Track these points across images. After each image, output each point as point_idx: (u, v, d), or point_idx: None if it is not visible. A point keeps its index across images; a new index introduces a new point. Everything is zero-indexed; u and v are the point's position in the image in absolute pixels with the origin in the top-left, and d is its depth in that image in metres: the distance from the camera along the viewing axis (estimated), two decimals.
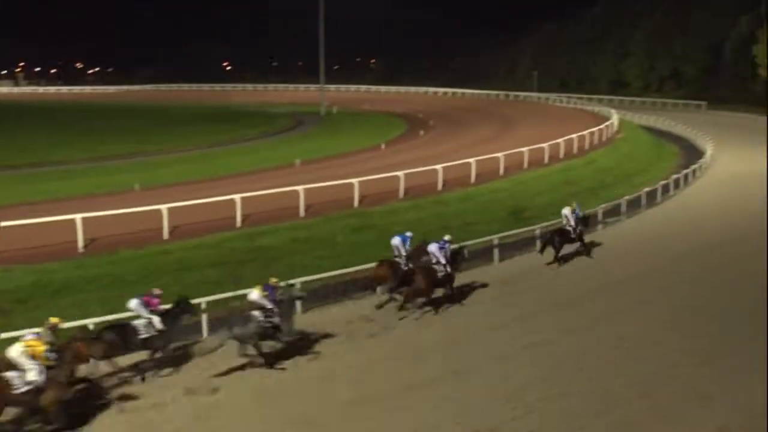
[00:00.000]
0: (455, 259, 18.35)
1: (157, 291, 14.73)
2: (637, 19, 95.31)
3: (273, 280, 15.11)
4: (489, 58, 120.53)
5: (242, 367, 14.31)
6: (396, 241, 18.22)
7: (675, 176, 35.02)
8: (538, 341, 15.69)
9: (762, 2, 77.71)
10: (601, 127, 45.94)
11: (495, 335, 16.22)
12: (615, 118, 53.46)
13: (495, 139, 47.72)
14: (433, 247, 18.05)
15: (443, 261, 17.98)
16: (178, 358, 14.74)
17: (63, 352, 12.21)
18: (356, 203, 25.73)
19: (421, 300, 17.66)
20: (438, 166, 29.54)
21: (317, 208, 24.78)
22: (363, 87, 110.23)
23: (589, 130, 43.02)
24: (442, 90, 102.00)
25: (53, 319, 12.83)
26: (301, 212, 24.18)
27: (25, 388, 11.56)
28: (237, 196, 23.00)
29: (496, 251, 22.10)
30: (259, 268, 19.55)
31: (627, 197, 29.37)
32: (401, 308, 17.41)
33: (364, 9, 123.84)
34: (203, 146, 47.60)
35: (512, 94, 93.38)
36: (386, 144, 46.37)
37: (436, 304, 17.84)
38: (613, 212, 28.42)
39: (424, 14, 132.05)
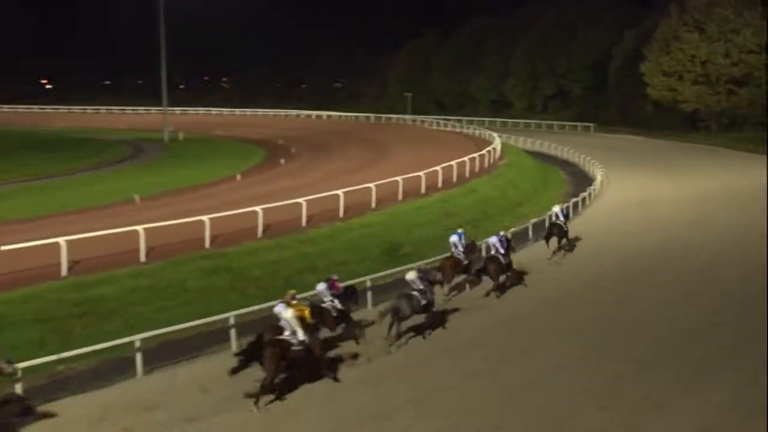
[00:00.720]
0: (508, 250, 24.30)
1: (335, 276, 19.78)
2: (516, 35, 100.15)
3: (423, 264, 21.95)
4: (357, 77, 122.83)
5: (407, 334, 19.51)
6: (454, 238, 24.31)
7: (564, 205, 36.82)
8: (419, 397, 16.14)
9: (647, 17, 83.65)
10: (482, 152, 47.70)
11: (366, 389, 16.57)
12: (498, 142, 55.64)
13: (366, 167, 48.57)
14: (494, 240, 24.55)
15: (502, 251, 23.90)
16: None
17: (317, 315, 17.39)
18: (208, 243, 25.47)
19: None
20: (302, 199, 29.71)
21: (162, 250, 24.34)
22: (214, 109, 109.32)
23: (470, 156, 44.51)
24: (305, 113, 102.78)
25: (291, 291, 17.87)
26: (143, 256, 23.68)
27: (298, 347, 15.90)
28: (62, 239, 22.24)
29: (369, 295, 22.46)
30: (91, 324, 19.03)
31: (513, 229, 30.44)
32: (489, 293, 23.63)
33: (213, 21, 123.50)
34: (18, 180, 45.70)
35: (384, 116, 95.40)
36: (242, 175, 46.16)
37: (502, 289, 23.82)
38: None
39: (283, 29, 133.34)
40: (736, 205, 38.50)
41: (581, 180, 48.67)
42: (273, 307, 16.99)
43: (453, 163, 41.49)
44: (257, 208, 27.79)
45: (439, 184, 38.34)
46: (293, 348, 15.83)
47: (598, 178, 46.45)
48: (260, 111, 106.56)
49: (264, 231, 27.53)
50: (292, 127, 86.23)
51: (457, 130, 79.60)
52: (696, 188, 44.77)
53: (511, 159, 52.23)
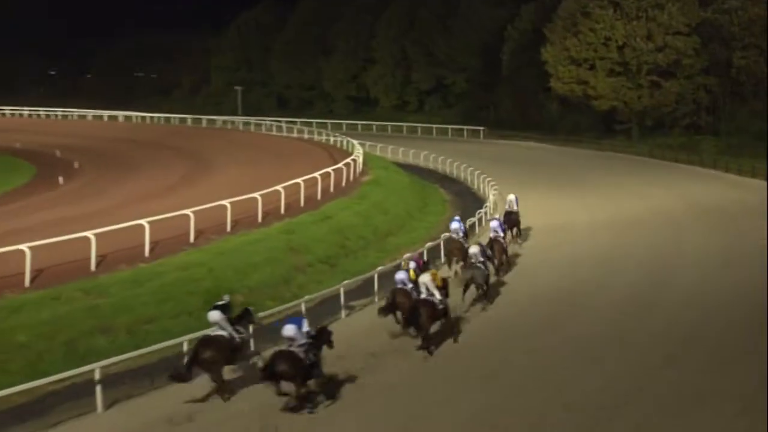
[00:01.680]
0: (506, 233, 34.75)
1: (409, 255, 29.06)
2: (379, 9, 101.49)
3: (477, 246, 29.06)
4: (166, 65, 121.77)
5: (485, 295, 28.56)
6: (455, 225, 33.42)
7: (447, 234, 37.24)
8: None
9: None
10: (339, 166, 48.03)
11: None
12: (359, 152, 56.01)
13: (181, 187, 48.24)
14: (495, 224, 33.95)
15: (502, 234, 33.49)
16: None
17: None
18: None
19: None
20: (90, 233, 28.78)
21: None
22: None
23: (323, 171, 44.81)
24: (93, 113, 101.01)
25: (406, 261, 27.28)
26: None
27: (441, 306, 23.91)
28: None
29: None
30: None
31: (380, 268, 30.68)
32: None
33: None
34: None
35: (206, 117, 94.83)
36: (0, 200, 44.76)
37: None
38: (362, 291, 29.52)
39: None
40: (663, 231, 40.17)
41: (469, 201, 49.75)
42: (395, 275, 25.68)
43: (300, 180, 41.42)
44: (23, 247, 26.72)
45: (282, 210, 38.25)
46: (438, 307, 23.64)
47: (491, 198, 47.41)
48: (26, 109, 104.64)
49: (33, 278, 26.56)
50: (74, 132, 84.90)
51: (306, 136, 79.75)
52: (613, 210, 46.43)
53: (377, 174, 52.69)
